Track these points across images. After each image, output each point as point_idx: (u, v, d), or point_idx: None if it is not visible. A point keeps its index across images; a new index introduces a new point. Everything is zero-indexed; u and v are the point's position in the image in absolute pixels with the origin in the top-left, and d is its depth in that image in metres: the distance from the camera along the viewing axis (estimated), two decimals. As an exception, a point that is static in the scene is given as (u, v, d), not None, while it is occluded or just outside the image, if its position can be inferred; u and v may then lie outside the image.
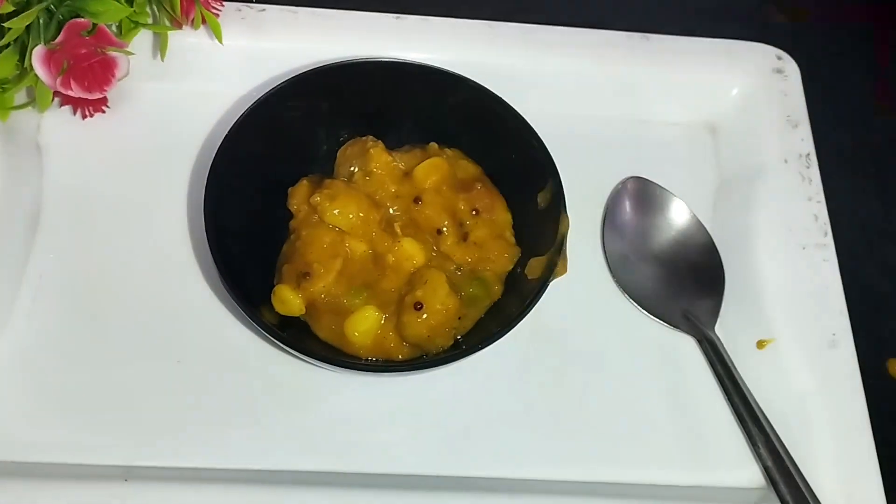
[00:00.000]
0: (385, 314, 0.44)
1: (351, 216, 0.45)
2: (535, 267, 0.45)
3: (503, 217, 0.47)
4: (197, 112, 0.51)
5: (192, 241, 0.48)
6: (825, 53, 0.61)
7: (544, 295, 0.42)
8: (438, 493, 0.42)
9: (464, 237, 0.46)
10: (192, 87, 0.51)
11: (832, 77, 0.60)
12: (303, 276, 0.44)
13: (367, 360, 0.43)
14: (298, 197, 0.46)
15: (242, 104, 0.46)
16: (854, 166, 0.56)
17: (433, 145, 0.48)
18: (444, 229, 0.46)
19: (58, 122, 0.50)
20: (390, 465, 0.43)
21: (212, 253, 0.42)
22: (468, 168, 0.48)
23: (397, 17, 0.52)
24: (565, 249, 0.44)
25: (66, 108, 0.49)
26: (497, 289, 0.46)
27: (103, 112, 0.49)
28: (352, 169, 0.47)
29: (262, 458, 0.43)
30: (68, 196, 0.48)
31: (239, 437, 0.43)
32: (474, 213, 0.46)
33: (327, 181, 0.46)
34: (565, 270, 0.44)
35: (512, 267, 0.46)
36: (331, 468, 0.43)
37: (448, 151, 0.48)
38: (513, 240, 0.47)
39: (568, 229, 0.44)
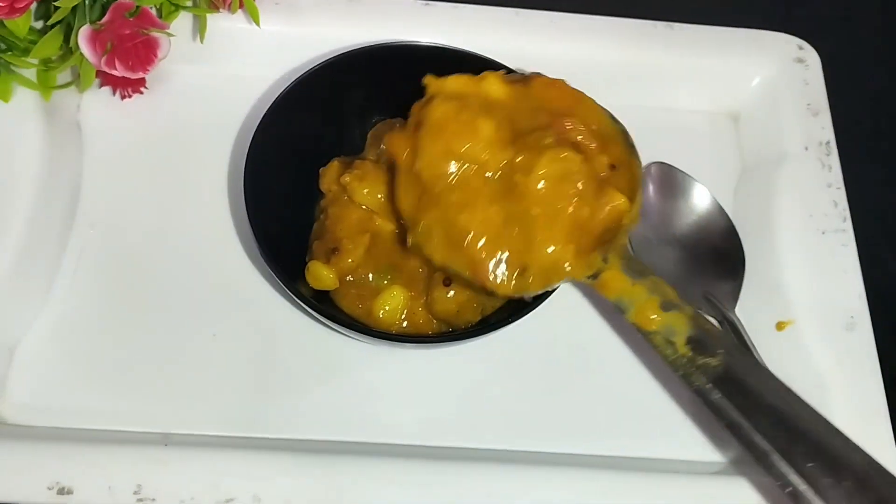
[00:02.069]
0: (412, 292, 0.45)
1: (379, 196, 0.45)
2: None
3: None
4: (233, 94, 0.52)
5: (226, 218, 0.49)
6: (847, 42, 0.61)
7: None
8: (451, 463, 0.43)
9: None
10: (229, 70, 0.52)
11: (853, 65, 0.60)
12: (332, 252, 0.45)
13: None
14: (329, 177, 0.47)
15: (278, 87, 0.47)
16: (873, 154, 0.56)
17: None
18: None
19: (97, 102, 0.51)
20: (415, 437, 0.44)
21: (252, 228, 0.43)
22: None
23: (426, 4, 0.53)
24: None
25: (106, 89, 0.51)
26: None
27: (141, 93, 0.51)
28: (381, 150, 0.48)
29: (295, 428, 0.44)
30: (107, 173, 0.50)
31: (273, 407, 0.44)
32: None
33: (357, 161, 0.47)
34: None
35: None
36: (362, 439, 0.44)
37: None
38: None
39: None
